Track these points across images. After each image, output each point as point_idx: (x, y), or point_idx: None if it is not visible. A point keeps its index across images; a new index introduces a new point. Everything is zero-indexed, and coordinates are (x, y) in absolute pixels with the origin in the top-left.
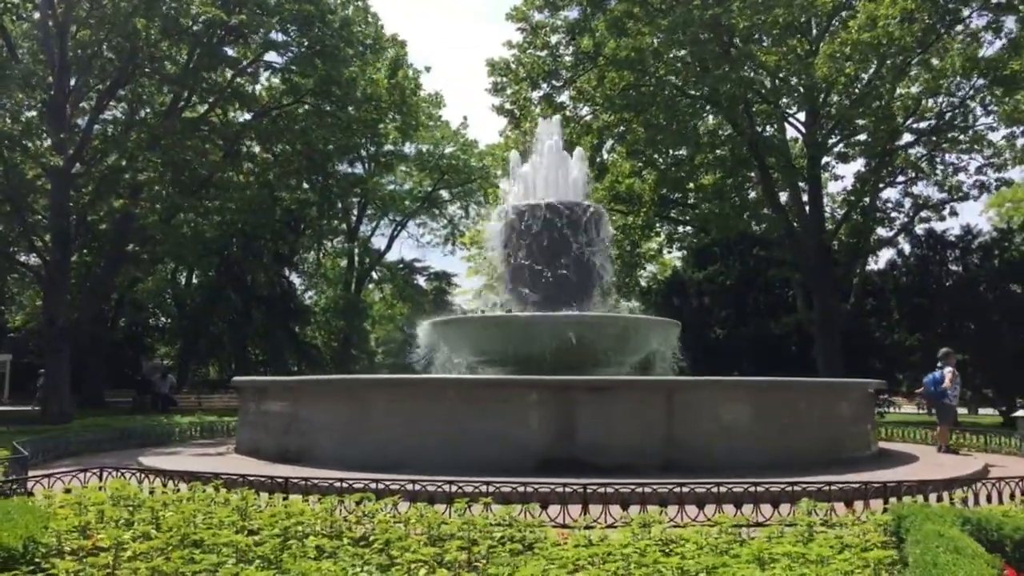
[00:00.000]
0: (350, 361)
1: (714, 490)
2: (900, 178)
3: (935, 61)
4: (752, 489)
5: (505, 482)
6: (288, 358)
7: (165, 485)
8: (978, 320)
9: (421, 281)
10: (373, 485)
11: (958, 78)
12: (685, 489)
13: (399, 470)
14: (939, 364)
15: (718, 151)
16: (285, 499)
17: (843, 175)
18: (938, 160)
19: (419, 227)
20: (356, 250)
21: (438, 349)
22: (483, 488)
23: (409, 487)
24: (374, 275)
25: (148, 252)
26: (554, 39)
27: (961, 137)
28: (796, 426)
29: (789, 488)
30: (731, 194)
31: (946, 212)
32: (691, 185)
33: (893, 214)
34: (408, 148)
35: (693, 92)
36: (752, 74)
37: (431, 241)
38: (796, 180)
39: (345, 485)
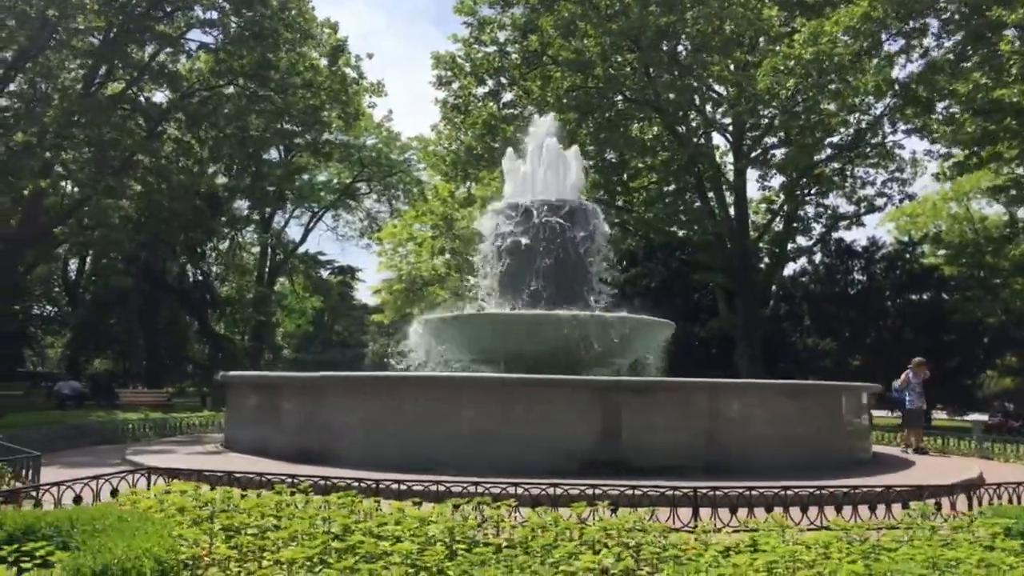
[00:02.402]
0: (262, 354)
1: (816, 492)
2: (817, 189)
3: (850, 79)
4: (850, 491)
5: (612, 485)
6: (191, 351)
7: (230, 488)
8: (880, 325)
9: (325, 275)
10: (473, 488)
11: (871, 97)
12: (790, 492)
13: (434, 471)
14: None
15: (659, 157)
16: (377, 505)
17: (769, 185)
18: (848, 174)
19: (334, 219)
20: (270, 240)
21: (429, 347)
22: (588, 491)
23: (511, 490)
24: (289, 265)
25: (71, 235)
26: (502, 36)
27: (870, 152)
28: (822, 429)
29: (884, 490)
30: (672, 200)
31: (855, 224)
32: (627, 188)
33: (812, 224)
34: (335, 137)
35: (635, 97)
36: (696, 83)
37: (346, 234)
38: (724, 188)
39: (443, 488)
